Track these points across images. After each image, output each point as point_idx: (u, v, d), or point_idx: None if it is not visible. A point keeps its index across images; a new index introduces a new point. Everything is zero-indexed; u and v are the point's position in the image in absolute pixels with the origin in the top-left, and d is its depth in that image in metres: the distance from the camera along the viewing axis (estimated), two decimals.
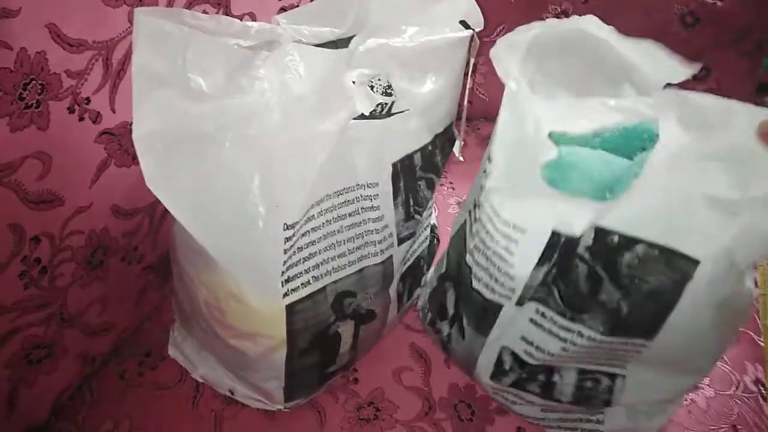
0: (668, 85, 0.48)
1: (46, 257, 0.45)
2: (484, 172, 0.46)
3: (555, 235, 0.41)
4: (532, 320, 0.45)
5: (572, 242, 0.40)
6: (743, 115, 0.36)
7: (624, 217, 0.39)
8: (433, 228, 0.61)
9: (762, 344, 0.61)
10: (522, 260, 0.43)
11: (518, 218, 0.43)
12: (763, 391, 0.57)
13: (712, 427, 0.53)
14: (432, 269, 0.61)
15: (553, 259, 0.42)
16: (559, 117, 0.40)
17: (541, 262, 0.42)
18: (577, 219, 0.40)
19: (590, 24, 0.48)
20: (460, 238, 0.51)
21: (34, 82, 0.41)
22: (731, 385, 0.57)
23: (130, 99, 0.45)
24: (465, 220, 0.51)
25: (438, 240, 0.63)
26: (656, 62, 0.48)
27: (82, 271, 0.49)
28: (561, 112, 0.40)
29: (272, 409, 0.52)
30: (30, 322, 0.45)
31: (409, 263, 0.55)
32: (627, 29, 0.50)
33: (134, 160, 0.50)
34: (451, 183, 0.78)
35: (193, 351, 0.54)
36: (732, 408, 0.55)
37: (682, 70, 0.46)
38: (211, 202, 0.41)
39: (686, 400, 0.55)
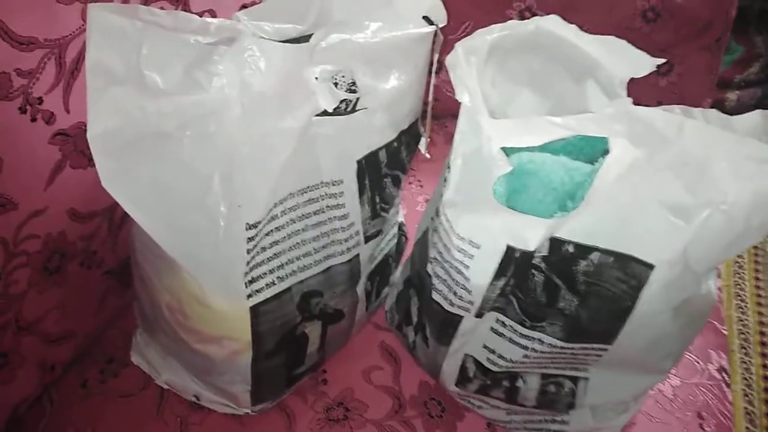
0: (632, 79, 0.48)
1: None
2: (444, 180, 0.46)
3: (510, 250, 0.41)
4: (492, 329, 0.45)
5: (527, 255, 0.40)
6: (694, 128, 0.37)
7: (578, 227, 0.39)
8: (401, 226, 0.61)
9: (725, 333, 0.62)
10: (478, 274, 0.42)
11: (473, 234, 0.42)
12: (727, 379, 0.58)
13: (678, 416, 0.54)
14: (399, 268, 0.61)
15: (510, 272, 0.41)
16: (508, 134, 0.39)
17: (497, 276, 0.42)
18: (532, 234, 0.40)
19: (552, 23, 0.48)
20: (423, 245, 0.51)
21: None
22: (696, 374, 0.58)
23: (85, 99, 0.44)
24: (428, 227, 0.50)
25: (406, 237, 0.63)
26: (620, 58, 0.48)
27: (39, 277, 0.47)
28: (509, 129, 0.40)
29: (239, 413, 0.51)
30: None
31: (376, 261, 0.54)
32: (590, 25, 0.50)
33: (90, 161, 0.48)
34: (419, 181, 0.78)
35: (157, 357, 0.53)
36: (697, 396, 0.56)
37: (646, 64, 0.47)
38: (170, 202, 0.40)
39: (652, 389, 0.55)
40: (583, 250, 0.39)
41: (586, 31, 0.49)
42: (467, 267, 0.43)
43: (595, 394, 0.46)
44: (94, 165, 0.47)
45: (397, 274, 0.60)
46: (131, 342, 0.56)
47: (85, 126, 0.47)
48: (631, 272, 0.39)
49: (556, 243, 0.40)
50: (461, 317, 0.45)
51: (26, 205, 0.45)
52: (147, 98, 0.39)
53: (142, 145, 0.39)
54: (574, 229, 0.39)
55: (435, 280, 0.46)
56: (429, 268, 0.47)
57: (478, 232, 0.42)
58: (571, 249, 0.39)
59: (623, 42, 0.48)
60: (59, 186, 0.47)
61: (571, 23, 0.49)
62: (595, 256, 0.39)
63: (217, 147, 0.39)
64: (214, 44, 0.42)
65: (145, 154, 0.39)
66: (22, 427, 0.50)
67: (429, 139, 0.54)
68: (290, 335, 0.47)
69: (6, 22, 0.40)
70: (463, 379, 0.49)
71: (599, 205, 0.38)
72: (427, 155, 0.55)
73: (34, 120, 0.44)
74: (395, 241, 0.58)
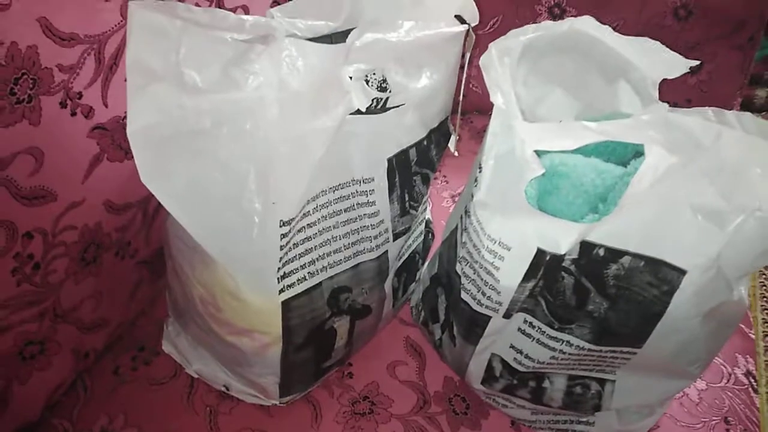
0: (664, 80, 0.48)
1: (39, 253, 0.45)
2: (475, 180, 0.46)
3: (540, 253, 0.41)
4: (520, 330, 0.45)
5: (558, 258, 0.40)
6: (731, 136, 0.36)
7: (610, 231, 0.39)
8: (427, 222, 0.61)
9: (752, 337, 0.62)
10: (508, 276, 0.43)
11: (504, 236, 0.42)
12: (754, 384, 0.57)
13: (703, 420, 0.54)
14: (426, 265, 0.61)
15: (539, 274, 0.42)
16: (542, 138, 0.39)
17: (526, 278, 0.42)
18: (563, 237, 0.40)
19: (585, 24, 0.48)
20: (450, 244, 0.51)
21: (25, 76, 0.40)
22: (723, 378, 0.57)
23: (122, 93, 0.45)
24: (456, 225, 0.50)
25: (432, 235, 0.63)
26: (653, 59, 0.48)
27: (76, 266, 0.48)
28: (543, 133, 0.40)
29: (267, 404, 0.52)
30: (23, 318, 0.45)
31: (404, 258, 0.55)
32: (619, 21, 0.50)
33: (126, 154, 0.49)
34: (444, 176, 0.78)
35: (188, 346, 0.54)
36: (723, 400, 0.56)
37: (678, 65, 0.46)
38: (206, 198, 0.41)
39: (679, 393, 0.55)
40: (614, 254, 0.39)
41: (615, 28, 0.49)
42: (497, 268, 0.43)
43: (622, 397, 0.46)
44: (130, 158, 0.48)
45: (423, 271, 0.60)
46: (162, 331, 0.57)
47: (122, 120, 0.48)
48: (663, 277, 0.38)
49: (586, 246, 0.40)
50: (489, 317, 0.46)
51: (65, 196, 0.46)
52: (185, 95, 0.39)
53: (180, 141, 0.40)
54: (606, 232, 0.39)
55: (464, 280, 0.47)
56: (458, 267, 0.48)
57: (509, 234, 0.42)
58: (601, 252, 0.39)
59: (656, 43, 0.48)
60: (96, 178, 0.48)
61: (601, 20, 0.48)
62: (626, 260, 0.39)
63: (253, 145, 0.40)
64: (250, 42, 0.42)
65: (182, 150, 0.40)
66: (57, 411, 0.52)
67: (458, 137, 0.54)
68: (319, 329, 0.48)
69: (49, 18, 0.41)
70: (489, 377, 0.49)
71: (632, 210, 0.38)
72: (456, 153, 0.55)
73: (74, 114, 0.45)
74: (422, 238, 0.59)
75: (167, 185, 0.40)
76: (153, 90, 0.39)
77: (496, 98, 0.42)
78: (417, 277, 0.59)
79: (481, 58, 0.44)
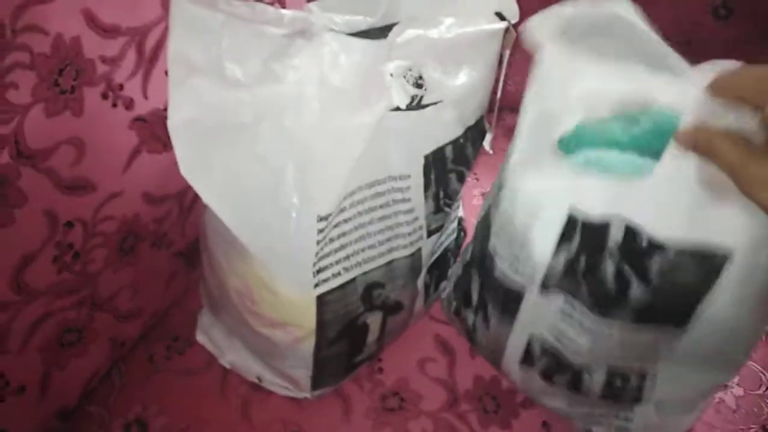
0: None
1: (78, 243, 0.45)
2: (511, 147, 0.46)
3: (572, 219, 0.40)
4: (561, 310, 0.45)
5: (596, 232, 0.40)
6: None
7: (649, 210, 0.38)
8: (459, 220, 0.61)
9: None
10: (541, 240, 0.42)
11: (537, 192, 0.42)
12: None
13: (741, 427, 0.53)
14: (458, 262, 0.61)
15: (574, 243, 0.41)
16: (592, 75, 0.39)
17: (561, 243, 0.41)
18: (595, 199, 0.39)
19: (622, 7, 0.47)
20: (484, 225, 0.51)
21: (69, 67, 0.41)
22: (761, 385, 0.56)
23: (162, 86, 0.45)
24: (489, 206, 0.50)
25: (465, 232, 0.63)
26: None
27: (114, 256, 0.49)
28: (595, 69, 0.40)
29: (299, 396, 0.52)
30: (62, 306, 0.46)
31: (436, 255, 0.55)
32: (657, 19, 0.49)
33: (165, 146, 0.50)
34: (475, 174, 0.78)
35: (221, 337, 0.55)
36: (762, 408, 0.54)
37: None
38: (244, 192, 0.41)
39: (715, 399, 0.54)
40: (658, 246, 0.38)
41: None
42: (531, 231, 0.42)
43: (663, 389, 0.45)
44: (168, 150, 0.49)
45: (455, 266, 0.60)
46: (196, 321, 0.58)
47: (162, 112, 0.49)
48: (707, 263, 0.38)
49: (630, 233, 0.39)
50: (524, 291, 0.45)
51: (105, 187, 0.46)
52: (226, 89, 0.39)
53: (220, 135, 0.40)
54: (645, 213, 0.38)
55: (499, 250, 0.46)
56: (492, 243, 0.47)
57: (542, 192, 0.42)
58: (644, 243, 0.39)
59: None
60: (136, 170, 0.48)
61: None
62: (671, 252, 0.38)
63: (292, 140, 0.40)
64: (290, 36, 0.42)
65: (222, 144, 0.40)
66: (93, 398, 0.53)
67: (493, 136, 0.54)
68: (352, 324, 0.48)
69: (93, 10, 0.42)
70: (527, 358, 0.49)
71: (672, 182, 0.37)
72: (491, 151, 0.55)
73: (115, 105, 0.45)
74: (454, 236, 0.59)
75: (207, 179, 0.41)
76: (194, 83, 0.39)
77: (544, 46, 0.41)
78: (448, 275, 0.59)
79: (523, 25, 0.43)
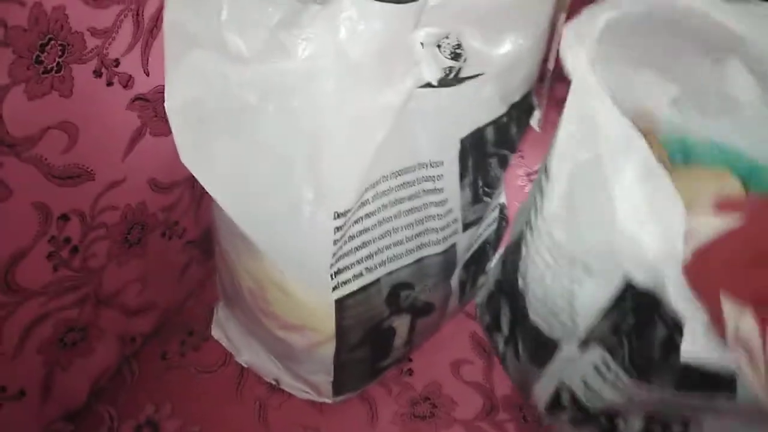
0: None
1: (76, 236, 0.41)
2: (540, 190, 0.38)
3: (630, 287, 0.33)
4: (596, 367, 0.38)
5: (651, 296, 0.33)
6: None
7: None
8: (501, 208, 0.54)
9: None
10: (587, 304, 0.35)
11: (584, 255, 0.35)
12: None
13: None
14: (496, 257, 0.54)
15: (628, 307, 0.34)
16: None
17: (611, 311, 0.34)
18: (662, 270, 0.31)
19: None
20: (515, 253, 0.43)
21: (53, 42, 0.36)
22: None
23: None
24: (521, 232, 0.43)
25: (507, 221, 0.56)
26: None
27: (119, 249, 0.45)
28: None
29: (319, 401, 0.48)
30: (62, 305, 0.42)
31: (473, 249, 0.48)
32: None
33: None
34: (520, 151, 0.70)
35: (238, 334, 0.50)
36: None
37: None
38: (250, 183, 0.36)
39: None
40: None
41: None
42: (574, 295, 0.36)
43: None
44: None
45: (493, 264, 0.54)
46: (212, 315, 0.54)
47: None
48: None
49: None
50: (559, 344, 0.39)
51: (104, 175, 0.42)
52: (228, 64, 0.34)
53: (223, 118, 0.35)
54: None
55: (531, 299, 0.40)
56: (521, 284, 0.41)
57: (590, 256, 0.35)
58: None
59: None
60: (138, 155, 0.44)
61: None
62: None
63: (303, 124, 0.34)
64: (302, 1, 0.36)
65: (225, 128, 0.35)
66: (103, 397, 0.50)
67: (543, 112, 0.47)
68: (376, 329, 0.43)
69: None
70: (554, 405, 0.43)
71: None
72: (538, 130, 0.48)
73: (110, 84, 0.40)
74: (495, 226, 0.52)
75: (209, 167, 0.36)
76: (193, 58, 0.35)
77: (576, 77, 0.34)
78: (486, 269, 0.53)
79: (560, 43, 0.36)
